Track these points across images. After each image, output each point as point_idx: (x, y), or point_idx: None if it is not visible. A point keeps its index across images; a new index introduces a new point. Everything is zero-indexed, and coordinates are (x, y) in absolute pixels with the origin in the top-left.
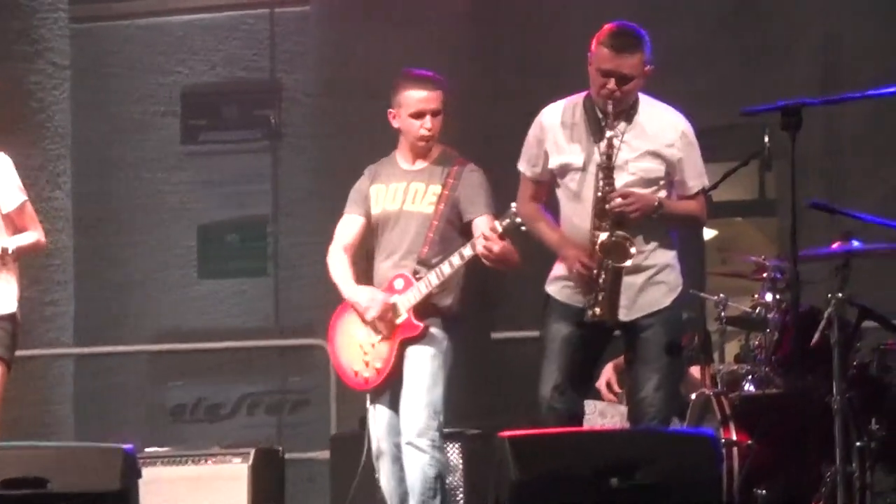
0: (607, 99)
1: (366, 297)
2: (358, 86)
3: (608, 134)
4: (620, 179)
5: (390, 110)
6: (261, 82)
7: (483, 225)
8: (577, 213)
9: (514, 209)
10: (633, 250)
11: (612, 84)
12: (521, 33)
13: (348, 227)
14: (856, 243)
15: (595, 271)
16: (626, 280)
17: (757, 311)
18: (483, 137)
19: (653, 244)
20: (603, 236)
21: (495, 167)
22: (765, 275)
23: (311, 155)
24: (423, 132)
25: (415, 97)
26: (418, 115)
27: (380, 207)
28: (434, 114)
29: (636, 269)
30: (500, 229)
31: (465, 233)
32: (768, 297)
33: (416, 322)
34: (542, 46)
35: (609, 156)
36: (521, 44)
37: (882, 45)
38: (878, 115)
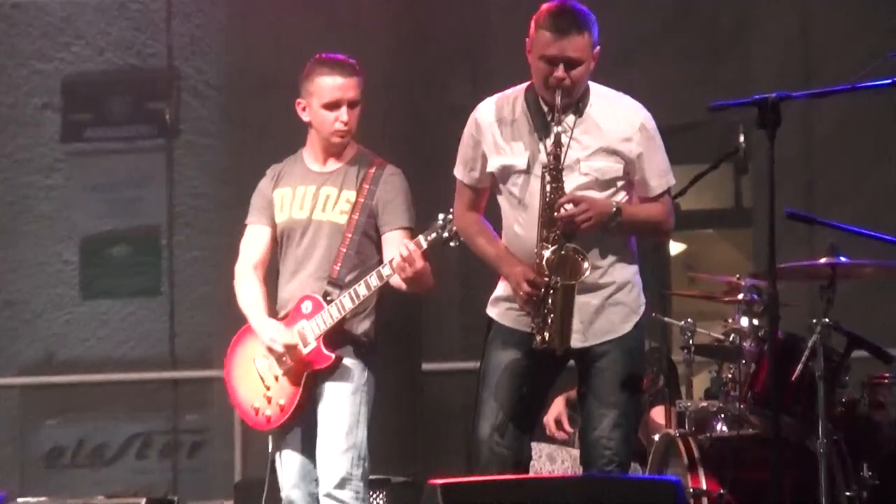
0: (556, 88)
1: (273, 334)
2: (268, 76)
3: (555, 129)
4: (571, 182)
5: (299, 100)
6: (155, 71)
7: (397, 240)
8: (521, 222)
9: (441, 221)
10: (586, 266)
11: (560, 71)
12: (452, 15)
13: (255, 241)
14: (843, 259)
15: (542, 291)
16: (580, 300)
17: (730, 338)
18: (405, 136)
19: (610, 258)
20: (550, 250)
21: (419, 171)
22: (739, 296)
23: (213, 155)
24: (339, 126)
25: (328, 84)
26: (332, 106)
27: (285, 215)
28: (351, 104)
29: (591, 288)
30: (424, 245)
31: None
32: (743, 321)
33: (326, 352)
34: (477, 29)
35: (556, 155)
36: (452, 27)
37: (857, 35)
38: (855, 112)
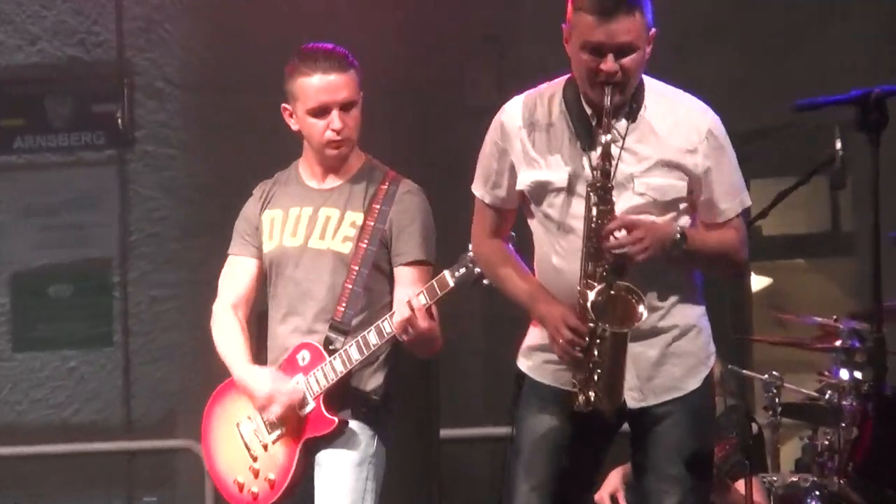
0: (604, 85)
1: (265, 386)
2: (248, 70)
3: (604, 138)
4: (623, 203)
5: (284, 106)
6: (103, 64)
7: (408, 280)
8: (560, 253)
9: (471, 254)
10: (641, 309)
11: (609, 62)
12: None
13: (237, 276)
14: None
15: (587, 340)
16: (634, 350)
17: (825, 395)
18: (418, 144)
19: (671, 297)
20: (597, 289)
21: (434, 186)
22: (837, 342)
23: (177, 169)
24: (331, 135)
25: (312, 85)
26: (320, 112)
27: (274, 243)
28: (345, 107)
29: (647, 335)
30: (451, 284)
31: None
32: (842, 374)
33: (328, 414)
34: (502, 14)
35: (605, 170)
36: (472, 12)
37: None
38: None
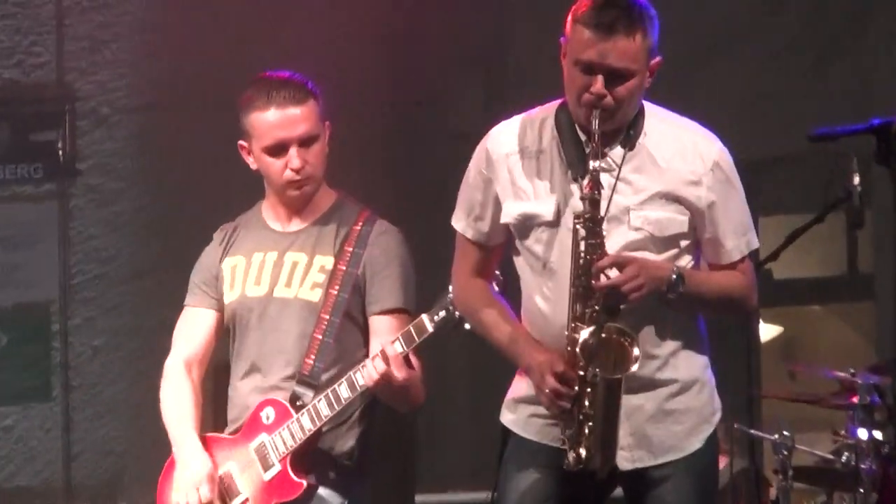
0: (592, 109)
1: (196, 473)
2: (204, 94)
3: (592, 164)
4: (617, 238)
5: (241, 143)
6: (42, 87)
7: (384, 330)
8: (546, 294)
9: (452, 296)
10: (636, 352)
11: (598, 84)
12: (459, 15)
13: (193, 330)
14: None
15: (577, 388)
16: (629, 403)
17: (842, 457)
18: (398, 173)
19: (670, 344)
20: (588, 331)
21: (415, 221)
22: (854, 399)
23: (123, 204)
24: (290, 175)
25: (266, 121)
26: (278, 149)
27: (236, 292)
28: (305, 142)
29: (644, 386)
30: (430, 329)
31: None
32: (860, 434)
33: (295, 478)
34: (491, 32)
35: (594, 200)
36: (459, 30)
37: None
38: None
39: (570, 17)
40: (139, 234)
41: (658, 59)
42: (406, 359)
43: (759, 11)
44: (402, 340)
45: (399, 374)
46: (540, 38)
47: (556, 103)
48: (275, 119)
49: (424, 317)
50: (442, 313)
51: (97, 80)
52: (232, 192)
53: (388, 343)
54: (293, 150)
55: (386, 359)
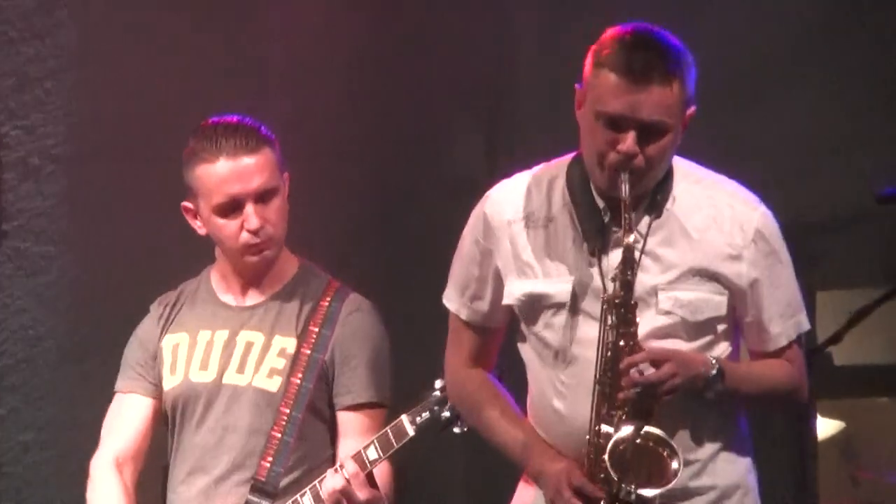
0: (618, 171)
1: None
2: (154, 142)
3: (627, 241)
4: (642, 324)
5: (185, 204)
6: None
7: (357, 427)
8: (560, 391)
9: (439, 391)
10: (676, 465)
11: (629, 142)
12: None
13: (125, 421)
14: None
15: None
16: None
17: None
18: (384, 229)
19: (708, 448)
20: (619, 436)
21: (405, 293)
22: None
23: (55, 273)
24: (247, 238)
25: (216, 174)
26: (231, 208)
27: (178, 377)
28: (262, 197)
29: (677, 496)
30: (411, 432)
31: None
32: None
33: None
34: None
35: (627, 282)
36: (457, 66)
37: None
38: None
39: (590, 59)
40: (73, 309)
41: (693, 108)
42: (369, 477)
43: (817, 41)
44: (377, 446)
45: (360, 493)
46: (551, 69)
47: (565, 160)
48: (225, 172)
49: (405, 418)
50: (425, 415)
51: (26, 124)
52: (181, 258)
53: (347, 457)
54: (249, 208)
55: (344, 476)
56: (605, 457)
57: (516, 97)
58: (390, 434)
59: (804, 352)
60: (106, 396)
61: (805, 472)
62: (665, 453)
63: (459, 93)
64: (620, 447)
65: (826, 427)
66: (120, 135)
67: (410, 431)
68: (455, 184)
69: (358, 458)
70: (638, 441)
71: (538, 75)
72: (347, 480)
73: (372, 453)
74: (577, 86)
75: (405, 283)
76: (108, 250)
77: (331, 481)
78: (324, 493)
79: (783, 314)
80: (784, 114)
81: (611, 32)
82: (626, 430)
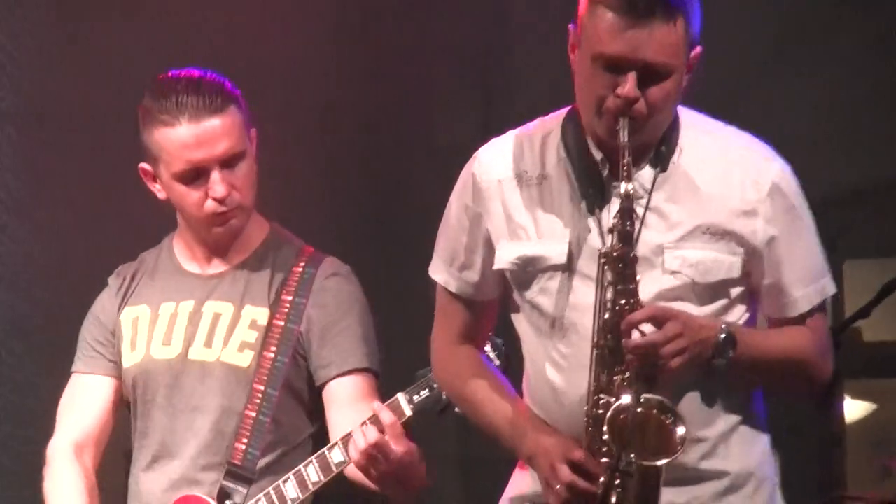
0: (617, 117)
1: None
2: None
3: (623, 187)
4: (646, 286)
5: (142, 166)
6: None
7: (349, 396)
8: (557, 363)
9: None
10: (681, 432)
11: (629, 85)
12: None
13: (83, 404)
14: None
15: (602, 481)
16: (668, 500)
17: None
18: (375, 200)
19: (719, 425)
20: (617, 405)
21: (393, 266)
22: None
23: (6, 243)
24: (213, 206)
25: (178, 138)
26: (194, 175)
27: (139, 354)
28: (228, 162)
29: (687, 479)
30: (407, 411)
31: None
32: None
33: None
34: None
35: (626, 233)
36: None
37: None
38: None
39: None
40: (17, 282)
41: (698, 49)
42: (406, 426)
43: (846, 4)
44: (370, 426)
45: (398, 446)
46: (551, 27)
47: (560, 114)
48: (187, 136)
49: (401, 396)
50: (424, 392)
51: None
52: (144, 228)
53: (381, 406)
54: (215, 175)
55: (380, 425)
56: (605, 427)
57: (511, 58)
58: None
59: (829, 323)
60: (54, 385)
61: (830, 461)
62: (668, 421)
63: (452, 55)
64: (621, 416)
65: (854, 410)
66: (72, 93)
67: (407, 411)
68: (445, 151)
69: (391, 406)
70: (640, 409)
71: (534, 35)
72: (382, 432)
73: (369, 433)
74: (570, 26)
75: (395, 259)
76: (53, 217)
77: (361, 437)
78: (353, 453)
79: (805, 276)
80: (806, 77)
81: None
82: (627, 397)
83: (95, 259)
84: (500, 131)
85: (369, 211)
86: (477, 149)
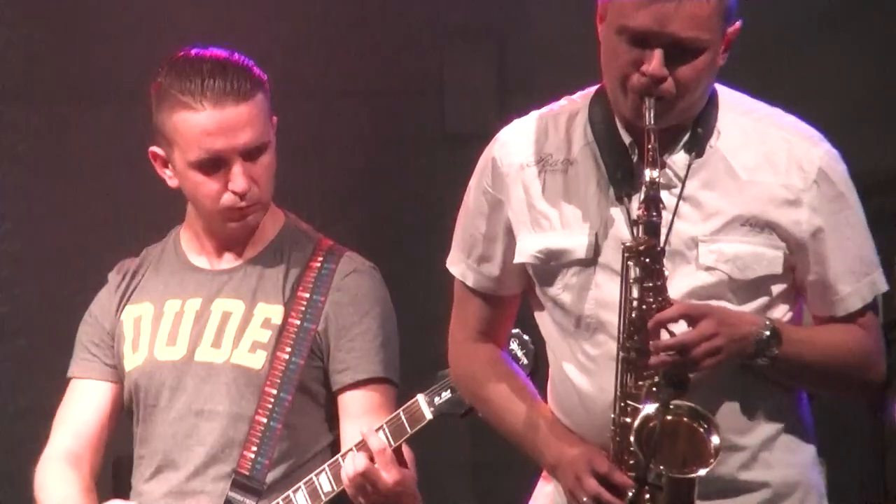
0: (643, 97)
1: None
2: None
3: (648, 174)
4: (679, 282)
5: (153, 149)
6: None
7: (364, 407)
8: (583, 365)
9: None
10: (716, 441)
11: (655, 62)
12: None
13: (80, 410)
14: None
15: (631, 495)
16: None
17: None
18: (382, 188)
19: (760, 432)
20: (646, 412)
21: (408, 257)
22: None
23: None
24: (231, 200)
25: (198, 124)
26: (213, 164)
27: (142, 355)
28: (250, 154)
29: (722, 491)
30: (428, 415)
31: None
32: None
33: None
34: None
35: (653, 224)
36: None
37: None
38: None
39: None
40: (7, 276)
41: (737, 24)
42: (397, 452)
43: None
44: (387, 431)
45: (388, 475)
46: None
47: (587, 93)
48: (210, 122)
49: (421, 398)
50: (446, 394)
51: None
52: (148, 220)
53: (370, 430)
54: (237, 168)
55: (368, 452)
56: (632, 437)
57: (528, 31)
58: (403, 417)
59: (880, 321)
60: (45, 381)
61: (883, 468)
62: (703, 429)
63: (465, 29)
64: (649, 424)
65: None
66: (66, 73)
67: (428, 414)
68: (457, 136)
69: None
70: (670, 416)
71: (553, 13)
72: (371, 459)
73: (381, 437)
74: (596, 2)
75: (403, 248)
76: (47, 204)
77: (350, 463)
78: (344, 478)
79: (854, 270)
80: (853, 48)
81: None
82: (655, 404)
83: (81, 257)
84: (511, 109)
85: (374, 194)
86: (489, 133)
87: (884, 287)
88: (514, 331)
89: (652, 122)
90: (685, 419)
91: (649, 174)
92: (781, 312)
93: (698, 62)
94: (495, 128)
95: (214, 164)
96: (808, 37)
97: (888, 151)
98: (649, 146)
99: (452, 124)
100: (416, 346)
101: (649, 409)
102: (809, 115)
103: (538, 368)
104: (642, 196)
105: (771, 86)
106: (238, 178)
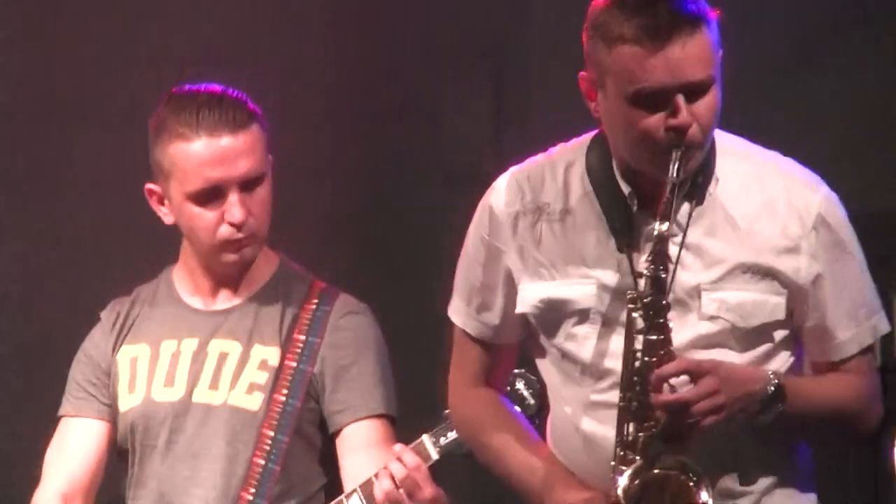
0: (671, 151)
1: None
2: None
3: (657, 227)
4: (682, 331)
5: (150, 186)
6: None
7: (365, 441)
8: (588, 408)
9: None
10: (705, 497)
11: (683, 113)
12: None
13: (72, 450)
14: None
15: None
16: None
17: None
18: (374, 228)
19: (761, 482)
20: (633, 468)
21: (403, 301)
22: None
23: None
24: (228, 232)
25: (195, 154)
26: (209, 195)
27: (138, 397)
28: (247, 185)
29: None
30: (434, 455)
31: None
32: None
33: None
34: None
35: (659, 279)
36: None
37: None
38: None
39: (593, 42)
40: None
41: (720, 51)
42: (431, 469)
43: (888, 7)
44: (396, 467)
45: (425, 491)
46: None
47: (582, 141)
48: (206, 152)
49: (426, 438)
50: (451, 434)
51: None
52: (143, 257)
53: (403, 448)
54: (233, 197)
55: (408, 468)
56: (619, 492)
57: (527, 59)
58: None
59: (877, 364)
60: (34, 422)
61: None
62: (690, 483)
63: (461, 55)
64: (633, 480)
65: None
66: (64, 96)
67: (434, 454)
68: (455, 174)
69: (416, 450)
70: (655, 471)
71: (553, 33)
72: (409, 472)
73: (392, 474)
74: (581, 74)
75: (395, 285)
76: (35, 239)
77: (386, 479)
78: (379, 494)
79: (852, 317)
80: (847, 79)
81: (599, 3)
82: (645, 459)
83: (83, 290)
84: (509, 142)
85: (365, 229)
86: (485, 169)
87: (885, 329)
88: (520, 371)
89: (677, 174)
90: (674, 475)
91: (658, 227)
92: (784, 358)
93: (710, 99)
94: (490, 165)
95: (211, 196)
96: (798, 64)
97: (889, 187)
98: (667, 198)
99: (448, 160)
100: (422, 385)
101: (636, 464)
102: (804, 150)
103: (545, 406)
104: (650, 248)
105: (766, 120)
106: (234, 207)
